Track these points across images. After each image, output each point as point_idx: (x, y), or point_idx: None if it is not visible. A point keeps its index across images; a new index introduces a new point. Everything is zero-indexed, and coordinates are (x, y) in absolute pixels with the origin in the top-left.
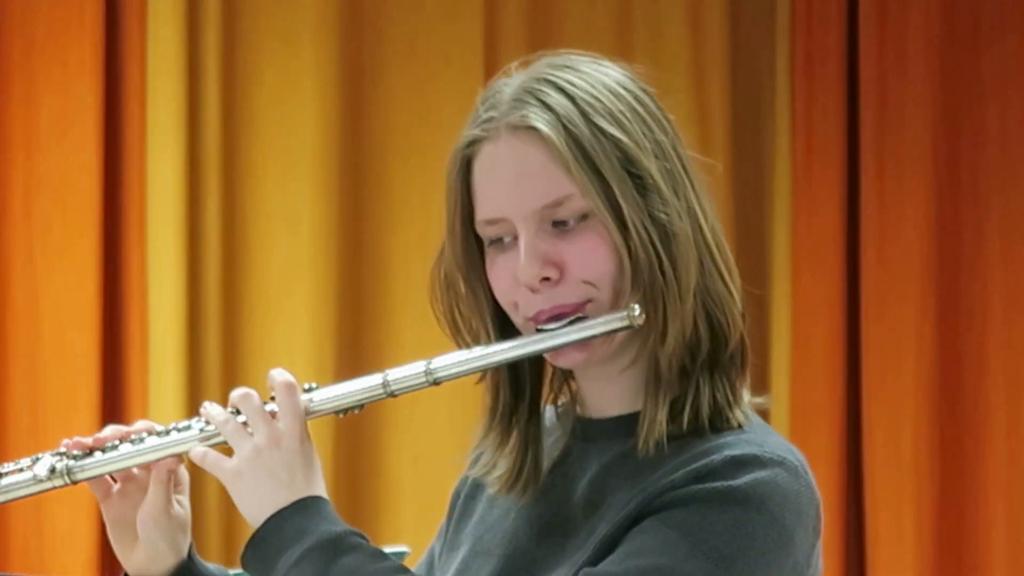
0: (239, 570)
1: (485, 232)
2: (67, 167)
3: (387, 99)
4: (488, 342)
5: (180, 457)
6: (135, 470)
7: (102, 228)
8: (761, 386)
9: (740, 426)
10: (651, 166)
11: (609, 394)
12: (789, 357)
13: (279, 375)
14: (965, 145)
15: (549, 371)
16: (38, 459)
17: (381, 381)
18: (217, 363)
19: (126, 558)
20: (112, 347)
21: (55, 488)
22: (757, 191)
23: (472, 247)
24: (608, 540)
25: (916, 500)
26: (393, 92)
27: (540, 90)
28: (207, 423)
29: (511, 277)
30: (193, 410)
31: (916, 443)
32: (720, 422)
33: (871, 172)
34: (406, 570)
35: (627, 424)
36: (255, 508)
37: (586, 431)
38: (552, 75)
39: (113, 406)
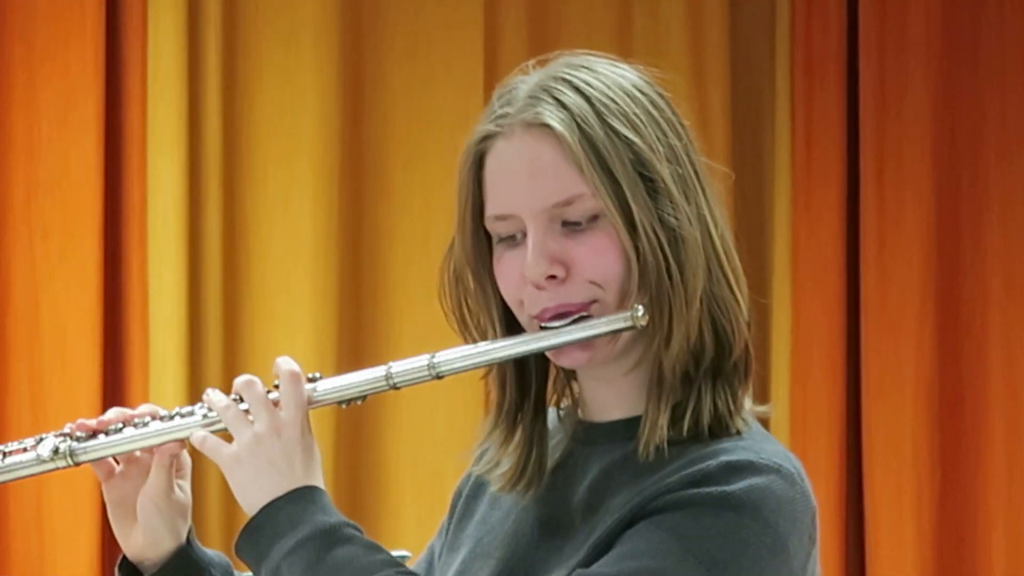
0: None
1: (495, 228)
2: (68, 170)
3: (387, 101)
4: (495, 338)
5: (182, 442)
6: (138, 453)
7: (103, 231)
8: (761, 392)
9: (739, 433)
10: (663, 170)
11: (611, 397)
12: (789, 363)
13: (285, 364)
14: (965, 144)
15: (554, 371)
16: (42, 439)
17: (384, 373)
18: (218, 365)
19: (125, 540)
20: (113, 350)
21: (57, 469)
22: (757, 195)
23: (482, 243)
24: (603, 542)
25: (916, 506)
26: (393, 95)
27: (556, 88)
28: (210, 409)
29: (518, 274)
30: None
31: (916, 450)
32: (720, 429)
33: (871, 176)
34: (399, 563)
35: (628, 428)
36: (252, 496)
37: (587, 435)
38: (569, 74)
39: (114, 405)
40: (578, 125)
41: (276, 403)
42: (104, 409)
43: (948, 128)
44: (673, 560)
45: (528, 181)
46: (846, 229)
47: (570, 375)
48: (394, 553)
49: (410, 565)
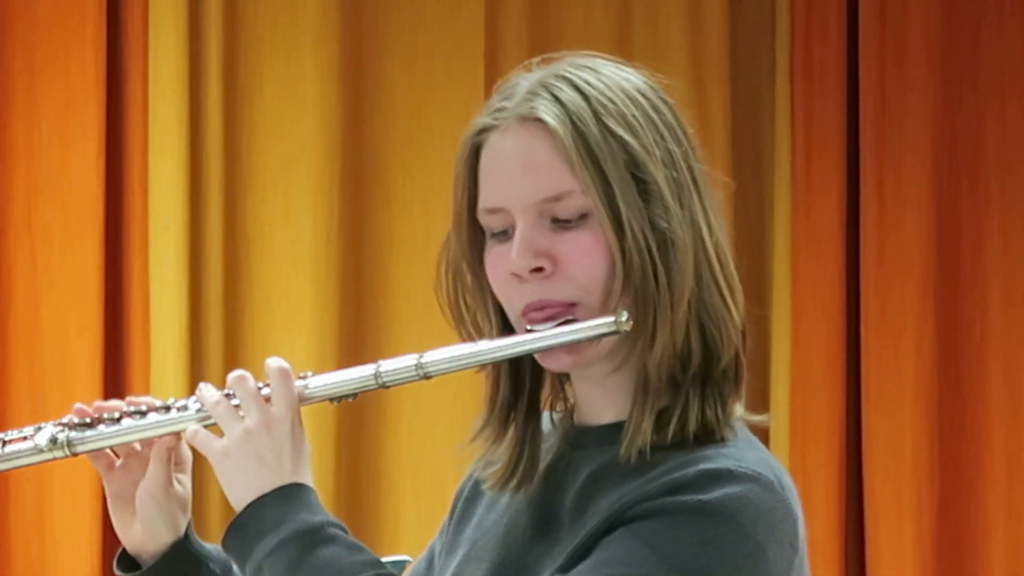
0: None
1: (486, 222)
2: (69, 174)
3: (387, 108)
4: (490, 335)
5: (178, 435)
6: (136, 445)
7: (104, 235)
8: (762, 400)
9: (724, 440)
10: (658, 173)
11: (600, 400)
12: (789, 370)
13: (274, 362)
14: (965, 150)
15: (549, 374)
16: (41, 428)
17: (374, 372)
18: (219, 368)
19: (124, 533)
20: (114, 355)
21: (56, 459)
22: (757, 203)
23: (477, 237)
24: (581, 548)
25: (916, 514)
26: (393, 102)
27: (555, 85)
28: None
29: (506, 268)
30: None
31: (916, 453)
32: (705, 436)
33: (871, 184)
34: (381, 564)
35: (616, 432)
36: (239, 491)
37: (578, 437)
38: (570, 73)
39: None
40: (572, 122)
41: (268, 399)
42: None
43: (948, 136)
44: (648, 569)
45: (519, 175)
46: (846, 237)
47: (563, 378)
48: (395, 558)
49: (411, 568)
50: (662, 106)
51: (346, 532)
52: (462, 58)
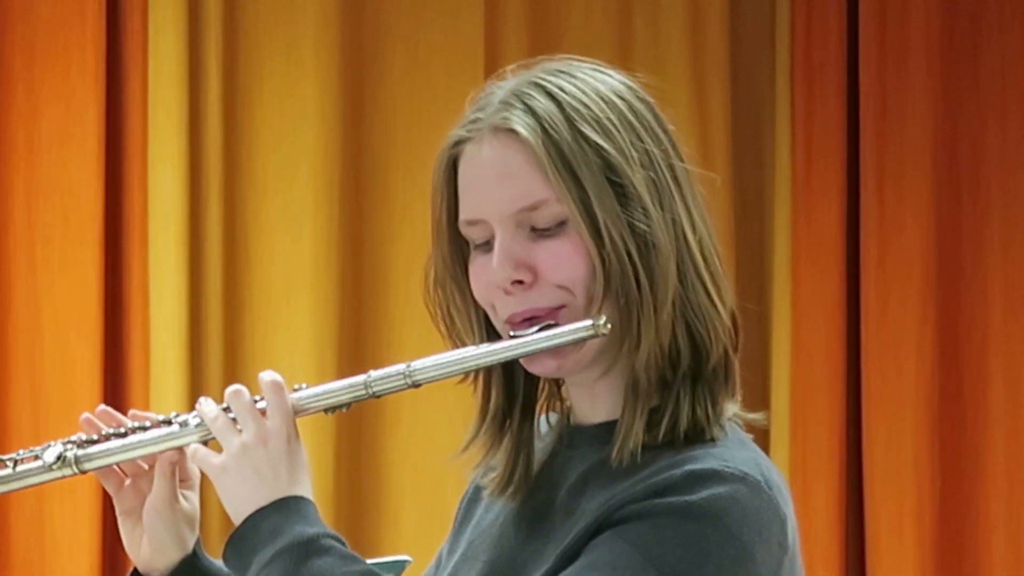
0: None
1: (467, 233)
2: (69, 175)
3: (388, 110)
4: (476, 342)
5: (182, 450)
6: (143, 464)
7: (104, 236)
8: (762, 402)
9: (714, 440)
10: (635, 176)
11: (592, 401)
12: (789, 372)
13: (267, 375)
14: (965, 153)
15: (544, 377)
16: (49, 446)
17: (363, 381)
18: (218, 371)
19: (133, 551)
20: (114, 355)
21: (64, 477)
22: (757, 205)
23: (459, 248)
24: (570, 550)
25: (917, 508)
26: (394, 99)
27: (528, 94)
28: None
29: (488, 279)
30: None
31: (916, 451)
32: (695, 435)
33: (871, 186)
34: (376, 574)
35: (609, 431)
36: (238, 505)
37: (571, 437)
38: (544, 79)
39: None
40: (545, 130)
41: (264, 412)
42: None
43: (949, 138)
44: (634, 571)
45: (495, 186)
46: (846, 239)
47: (559, 381)
48: (395, 558)
49: (412, 570)
50: (640, 106)
51: (343, 543)
52: (462, 61)
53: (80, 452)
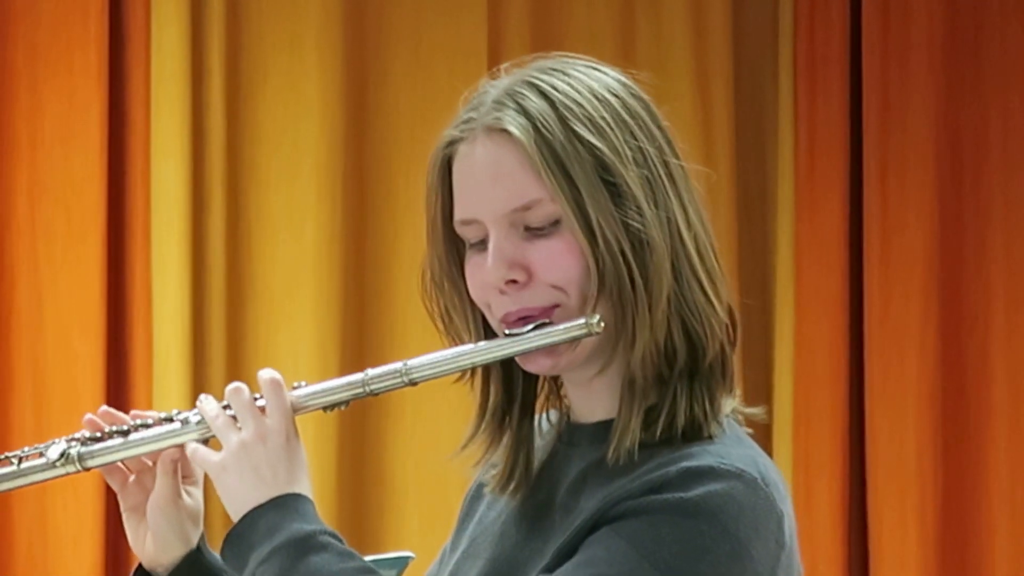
0: None
1: (463, 233)
2: (71, 172)
3: (391, 106)
4: (473, 341)
5: (183, 447)
6: (147, 461)
7: (106, 233)
8: (765, 394)
9: (711, 437)
10: (628, 174)
11: (590, 399)
12: (792, 367)
13: (266, 373)
14: (968, 148)
15: (543, 376)
16: (54, 443)
17: (361, 379)
18: (221, 366)
19: (138, 547)
20: (116, 352)
21: (68, 474)
22: (760, 200)
23: (454, 247)
24: (567, 546)
25: (919, 502)
26: (397, 100)
27: (521, 93)
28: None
29: (483, 278)
30: None
31: (919, 446)
32: (693, 432)
33: (874, 181)
34: (373, 571)
35: (607, 429)
36: (236, 503)
37: (571, 435)
38: (537, 78)
39: (117, 409)
40: (537, 129)
41: (263, 410)
42: None
43: (951, 132)
44: (630, 568)
45: (489, 186)
46: (849, 234)
47: (558, 379)
48: (398, 554)
49: (415, 566)
50: (634, 103)
51: (340, 540)
52: (465, 56)
53: (83, 449)
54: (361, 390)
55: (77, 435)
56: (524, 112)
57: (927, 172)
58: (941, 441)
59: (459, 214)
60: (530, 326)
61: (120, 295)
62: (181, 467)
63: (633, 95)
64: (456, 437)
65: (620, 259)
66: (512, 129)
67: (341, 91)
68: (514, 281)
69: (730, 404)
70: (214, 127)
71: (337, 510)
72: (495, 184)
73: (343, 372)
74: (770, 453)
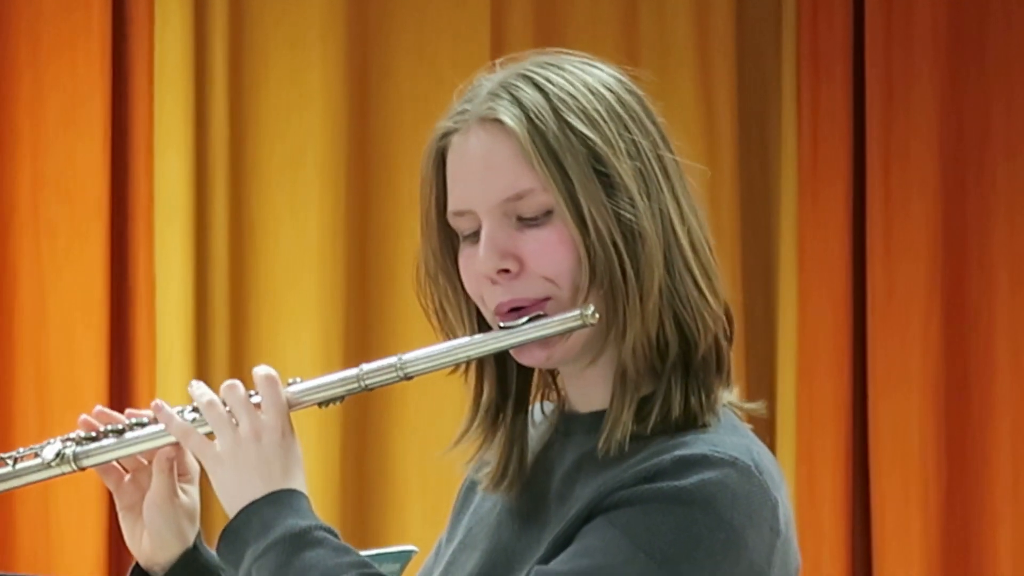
0: None
1: (456, 225)
2: (74, 165)
3: (393, 100)
4: (468, 335)
5: (179, 445)
6: (143, 459)
7: (109, 226)
8: (768, 385)
9: (705, 426)
10: (621, 166)
11: (585, 390)
12: (795, 358)
13: (261, 369)
14: (971, 137)
15: (536, 368)
16: (49, 443)
17: (356, 374)
18: (224, 361)
19: (135, 546)
20: (120, 346)
21: (63, 474)
22: (763, 191)
23: (449, 240)
24: (562, 537)
25: (923, 501)
26: (399, 93)
27: (515, 85)
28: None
29: (476, 269)
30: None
31: (922, 437)
32: (687, 422)
33: (877, 171)
34: (368, 565)
35: (601, 420)
36: (231, 498)
37: (567, 425)
38: (532, 71)
39: (121, 405)
40: (531, 120)
41: (258, 406)
42: (111, 406)
43: (955, 123)
44: (624, 558)
45: (481, 176)
46: (852, 224)
47: (552, 370)
48: (401, 548)
49: (417, 560)
50: (628, 98)
51: (335, 535)
52: (468, 49)
53: (79, 449)
54: (356, 385)
55: (72, 435)
56: (518, 103)
57: (931, 162)
58: (944, 432)
59: (452, 205)
60: (524, 318)
61: (123, 287)
62: (177, 465)
63: (628, 90)
64: (459, 427)
65: (612, 250)
66: (505, 119)
67: (344, 83)
68: (506, 271)
69: (727, 396)
70: (217, 119)
71: (340, 504)
72: (488, 174)
73: (346, 364)
74: (773, 445)
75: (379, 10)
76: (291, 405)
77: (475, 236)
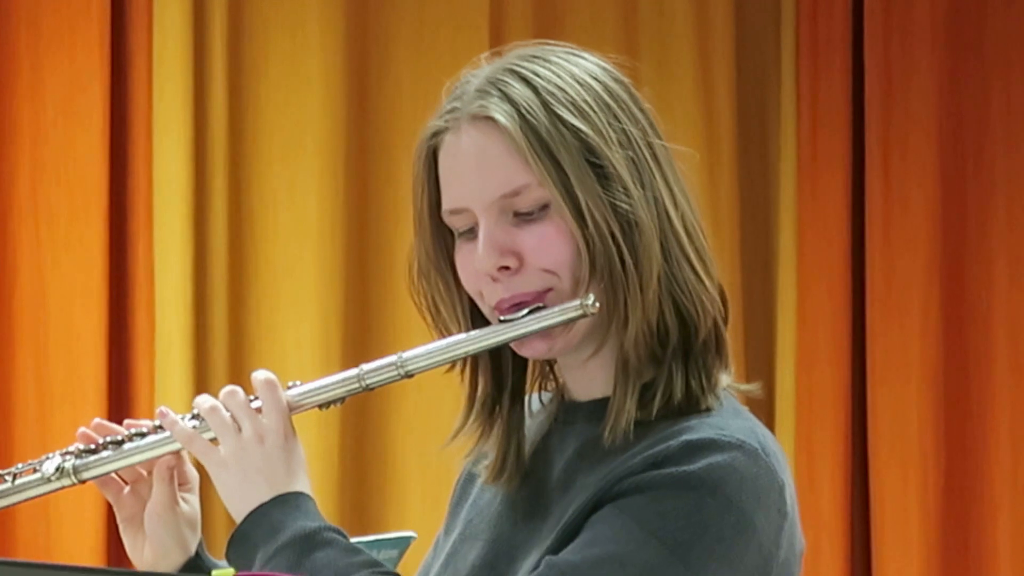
0: None
1: (451, 222)
2: (73, 152)
3: (393, 86)
4: (463, 331)
5: (180, 454)
6: (142, 470)
7: (108, 215)
8: (767, 373)
9: (708, 410)
10: (614, 156)
11: (585, 379)
12: (795, 346)
13: (259, 374)
14: (970, 126)
15: (532, 359)
16: (48, 458)
17: (356, 374)
18: (224, 350)
19: (136, 556)
20: (119, 334)
21: (63, 488)
22: (763, 180)
23: (442, 238)
24: (570, 526)
25: (922, 489)
26: (399, 79)
27: (503, 81)
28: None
29: (474, 266)
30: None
31: (921, 433)
32: (690, 407)
33: (876, 161)
34: (378, 564)
35: (603, 407)
36: (237, 503)
37: (567, 414)
38: (518, 66)
39: (120, 392)
40: (522, 116)
41: (259, 411)
42: (110, 394)
43: (954, 113)
44: (636, 545)
45: (476, 174)
46: (851, 214)
47: (549, 360)
48: (400, 534)
49: (417, 546)
50: (615, 87)
51: (344, 536)
52: (467, 35)
53: (78, 462)
54: (357, 385)
55: (71, 448)
56: (508, 99)
57: (929, 150)
58: (943, 419)
59: (447, 203)
60: (525, 311)
61: (122, 275)
62: (177, 474)
63: (614, 78)
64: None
65: (610, 240)
66: (497, 116)
67: (343, 71)
68: (506, 268)
69: (726, 379)
70: (216, 107)
71: (339, 490)
72: (482, 172)
73: (344, 350)
74: (772, 432)
75: None
76: (292, 408)
77: (470, 233)
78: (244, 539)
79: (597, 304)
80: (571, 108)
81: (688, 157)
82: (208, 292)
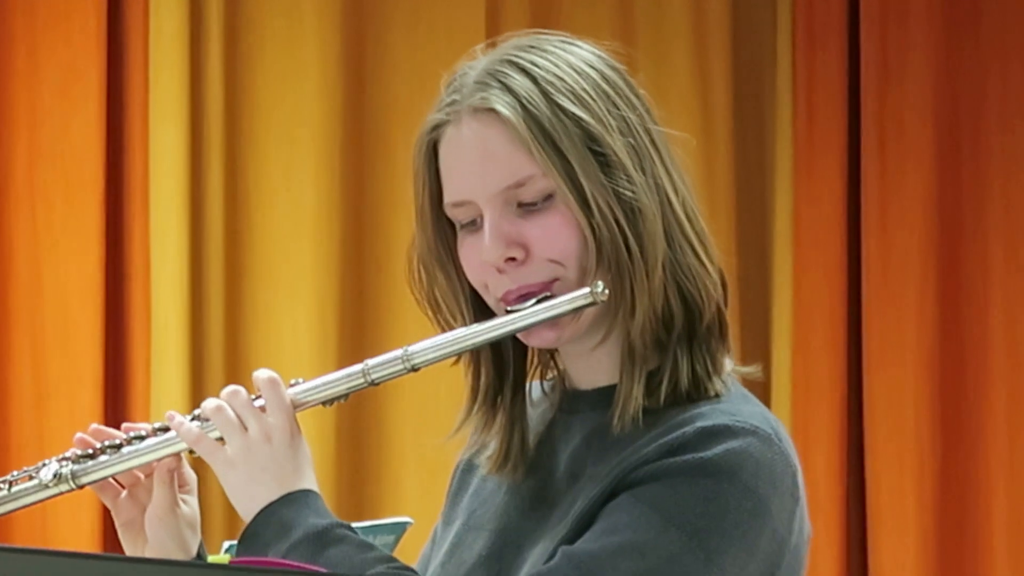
0: None
1: (454, 215)
2: (70, 141)
3: (389, 71)
4: (465, 324)
5: (179, 456)
6: (139, 474)
7: (105, 200)
8: (763, 358)
9: (717, 396)
10: (615, 143)
11: (590, 368)
12: (791, 331)
13: (261, 373)
14: (966, 112)
15: (533, 348)
16: (45, 464)
17: (361, 370)
18: (220, 335)
19: None
20: (115, 317)
21: (61, 493)
22: (759, 164)
23: (443, 230)
24: (585, 515)
25: (917, 474)
26: (395, 64)
27: (502, 71)
28: (206, 419)
29: (479, 259)
30: (196, 387)
31: (917, 417)
32: (698, 392)
33: (872, 144)
34: (392, 559)
35: (609, 395)
36: (246, 502)
37: (571, 403)
38: (516, 56)
39: (116, 382)
40: (524, 107)
41: (263, 409)
42: (106, 384)
43: (949, 96)
44: (654, 532)
45: (480, 166)
46: (847, 197)
47: (551, 350)
48: (396, 520)
49: (413, 536)
50: (612, 74)
51: (354, 532)
52: (464, 20)
53: (76, 467)
54: (362, 381)
55: (68, 454)
56: (508, 90)
57: (925, 134)
58: (939, 404)
59: (450, 196)
60: (532, 300)
61: (119, 261)
62: (177, 476)
63: (610, 66)
64: (455, 402)
65: (615, 228)
66: (499, 108)
67: (339, 54)
68: (512, 259)
69: (729, 364)
70: (212, 92)
71: (335, 475)
72: (486, 163)
73: (341, 340)
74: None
75: None
76: (295, 406)
77: (473, 225)
78: (254, 538)
79: (607, 291)
80: (571, 97)
81: (684, 142)
82: (204, 277)
